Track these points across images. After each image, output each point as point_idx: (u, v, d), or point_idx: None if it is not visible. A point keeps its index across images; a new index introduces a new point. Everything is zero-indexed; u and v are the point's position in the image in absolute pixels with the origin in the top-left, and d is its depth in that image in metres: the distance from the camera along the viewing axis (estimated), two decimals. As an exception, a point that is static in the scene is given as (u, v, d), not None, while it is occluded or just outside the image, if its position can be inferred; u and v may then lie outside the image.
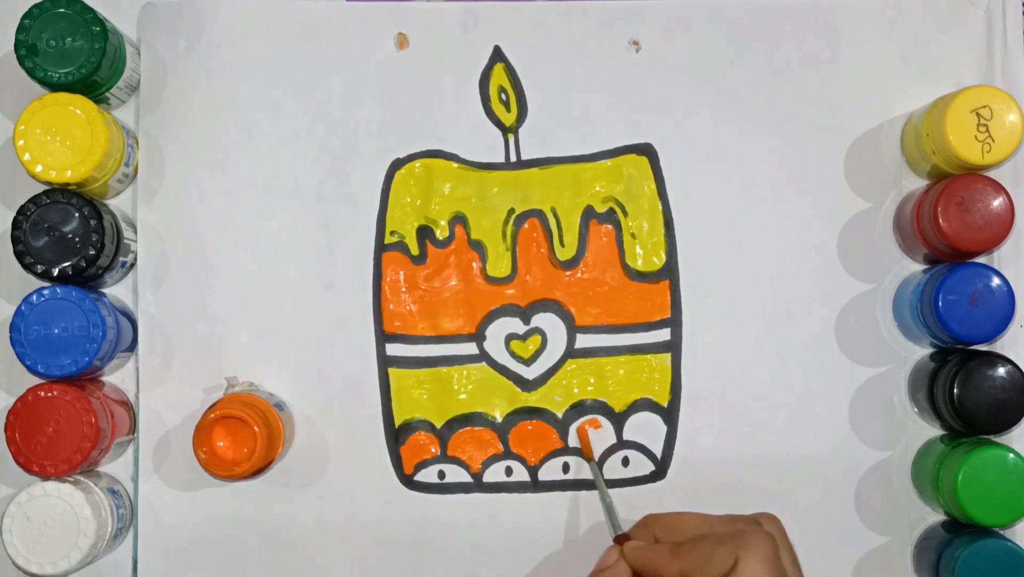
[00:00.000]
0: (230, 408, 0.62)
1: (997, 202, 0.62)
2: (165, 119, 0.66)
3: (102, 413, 0.62)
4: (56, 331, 0.61)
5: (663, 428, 0.66)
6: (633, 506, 0.65)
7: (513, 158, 0.67)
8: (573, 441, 0.66)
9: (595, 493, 0.66)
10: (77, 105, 0.61)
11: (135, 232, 0.66)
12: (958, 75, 0.67)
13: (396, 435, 0.66)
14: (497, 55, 0.67)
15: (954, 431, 0.65)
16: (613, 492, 0.66)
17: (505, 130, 0.67)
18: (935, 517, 0.66)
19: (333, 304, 0.66)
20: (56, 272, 0.61)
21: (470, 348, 0.66)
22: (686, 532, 0.56)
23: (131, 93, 0.67)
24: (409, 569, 0.66)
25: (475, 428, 0.66)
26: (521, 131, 0.67)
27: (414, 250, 0.67)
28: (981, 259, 0.64)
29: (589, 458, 0.65)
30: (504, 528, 0.66)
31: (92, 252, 0.62)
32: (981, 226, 0.62)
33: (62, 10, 0.62)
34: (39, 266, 0.61)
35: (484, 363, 0.66)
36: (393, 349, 0.66)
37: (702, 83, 0.67)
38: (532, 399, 0.66)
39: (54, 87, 0.62)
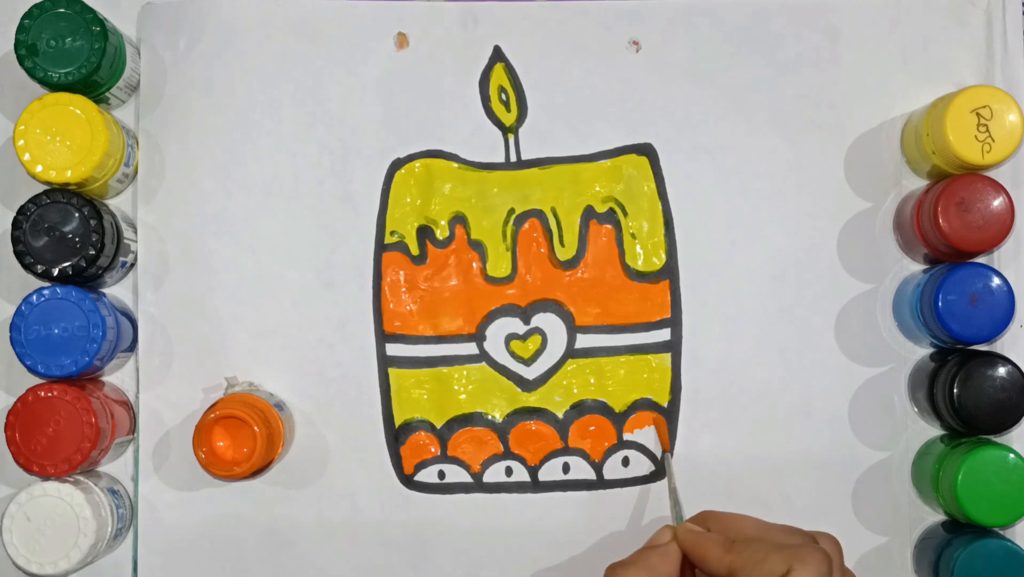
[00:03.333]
0: (230, 408, 0.62)
1: (997, 202, 0.62)
2: (165, 119, 0.66)
3: (102, 413, 0.62)
4: (56, 331, 0.61)
5: (663, 428, 0.66)
6: (633, 506, 0.65)
7: (513, 158, 0.67)
8: (573, 441, 0.66)
9: (594, 493, 0.66)
10: (77, 105, 0.61)
11: (135, 232, 0.66)
12: (958, 75, 0.67)
13: (396, 435, 0.66)
14: (497, 55, 0.67)
15: (954, 431, 0.65)
16: (613, 492, 0.66)
17: (505, 130, 0.67)
18: (935, 517, 0.66)
19: (333, 304, 0.66)
20: (56, 272, 0.61)
21: (470, 348, 0.66)
22: (741, 532, 0.56)
23: (131, 93, 0.67)
24: (409, 569, 0.66)
25: (475, 428, 0.66)
26: (521, 131, 0.67)
27: (414, 250, 0.67)
28: (981, 259, 0.64)
29: (665, 449, 0.65)
30: (504, 528, 0.66)
31: (92, 252, 0.62)
32: (981, 226, 0.62)
33: (62, 10, 0.62)
34: (39, 266, 0.61)
35: (484, 363, 0.66)
36: (393, 349, 0.66)
37: (702, 83, 0.67)
38: (532, 399, 0.66)
39: (54, 87, 0.62)
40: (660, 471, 0.66)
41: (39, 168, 0.61)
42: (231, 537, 0.66)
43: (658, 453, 0.66)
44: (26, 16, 0.62)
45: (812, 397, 0.66)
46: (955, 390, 0.62)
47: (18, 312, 0.61)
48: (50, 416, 0.61)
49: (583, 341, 0.66)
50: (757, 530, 0.56)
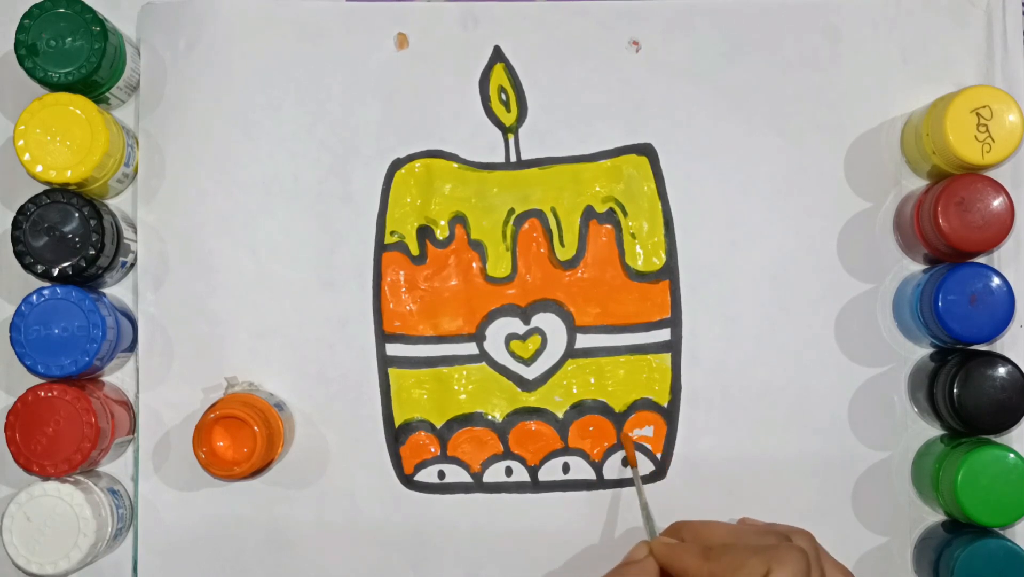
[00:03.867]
0: (230, 408, 0.62)
1: (997, 202, 0.62)
2: (165, 119, 0.66)
3: (102, 413, 0.62)
4: (56, 331, 0.61)
5: (663, 428, 0.66)
6: (633, 506, 0.65)
7: (513, 158, 0.67)
8: (573, 441, 0.66)
9: (594, 493, 0.66)
10: (77, 105, 0.61)
11: (135, 232, 0.66)
12: (958, 75, 0.67)
13: (396, 435, 0.66)
14: (497, 55, 0.67)
15: (954, 431, 0.65)
16: (612, 492, 0.66)
17: (505, 130, 0.67)
18: (935, 517, 0.66)
19: (333, 304, 0.66)
20: (56, 272, 0.61)
21: (470, 348, 0.66)
22: (715, 540, 0.56)
23: (131, 93, 0.67)
24: (409, 569, 0.66)
25: (475, 428, 0.66)
26: (521, 131, 0.67)
27: (414, 250, 0.67)
28: (981, 259, 0.64)
29: (634, 465, 0.65)
30: (504, 528, 0.66)
31: (92, 252, 0.62)
32: (981, 226, 0.62)
33: (62, 10, 0.62)
34: (39, 266, 0.61)
35: (484, 363, 0.66)
36: (393, 349, 0.66)
37: (702, 83, 0.67)
38: (532, 399, 0.66)
39: (54, 87, 0.62)
40: (660, 471, 0.66)
41: (39, 168, 0.61)
42: (231, 537, 0.66)
43: (657, 455, 0.66)
44: (26, 16, 0.62)
45: (812, 397, 0.66)
46: (955, 390, 0.62)
47: (18, 312, 0.61)
48: (50, 416, 0.61)
49: (583, 341, 0.66)
50: (731, 535, 0.57)
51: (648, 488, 0.66)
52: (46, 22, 0.62)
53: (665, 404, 0.66)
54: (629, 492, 0.66)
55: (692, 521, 0.60)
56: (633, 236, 0.67)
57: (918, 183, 0.67)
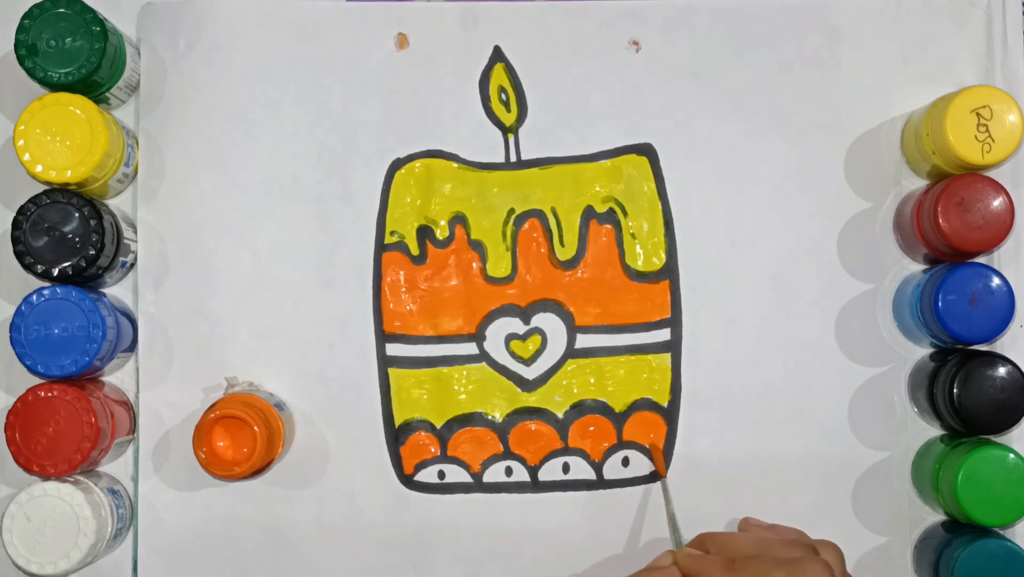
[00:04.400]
0: (230, 408, 0.62)
1: (997, 202, 0.62)
2: (165, 119, 0.66)
3: (102, 413, 0.62)
4: (56, 331, 0.61)
5: (663, 428, 0.66)
6: (633, 506, 0.65)
7: (513, 158, 0.67)
8: (573, 441, 0.66)
9: (594, 493, 0.66)
10: (77, 105, 0.61)
11: (135, 232, 0.66)
12: (958, 75, 0.67)
13: (396, 435, 0.66)
14: (497, 55, 0.67)
15: (954, 431, 0.65)
16: (613, 492, 0.66)
17: (505, 130, 0.67)
18: (935, 517, 0.66)
19: (333, 304, 0.66)
20: (56, 272, 0.61)
21: (470, 348, 0.66)
22: (740, 551, 0.56)
23: (131, 93, 0.67)
24: (409, 569, 0.66)
25: (475, 428, 0.66)
26: (521, 131, 0.67)
27: (414, 250, 0.67)
28: (981, 259, 0.64)
29: (662, 476, 0.65)
30: (504, 528, 0.66)
31: (92, 252, 0.62)
32: (981, 226, 0.62)
33: (62, 10, 0.62)
34: (39, 266, 0.61)
35: (484, 363, 0.66)
36: (393, 349, 0.66)
37: (702, 83, 0.67)
38: (532, 399, 0.66)
39: (54, 87, 0.62)
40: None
41: (39, 168, 0.61)
42: (231, 537, 0.66)
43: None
44: (26, 16, 0.62)
45: (812, 397, 0.66)
46: (955, 390, 0.62)
47: (18, 312, 0.61)
48: (50, 416, 0.61)
49: (583, 341, 0.66)
50: (756, 547, 0.56)
51: (649, 489, 0.66)
52: (46, 22, 0.62)
53: (665, 404, 0.66)
54: (629, 492, 0.66)
55: (718, 533, 0.59)
56: (633, 236, 0.67)
57: (918, 183, 0.67)
